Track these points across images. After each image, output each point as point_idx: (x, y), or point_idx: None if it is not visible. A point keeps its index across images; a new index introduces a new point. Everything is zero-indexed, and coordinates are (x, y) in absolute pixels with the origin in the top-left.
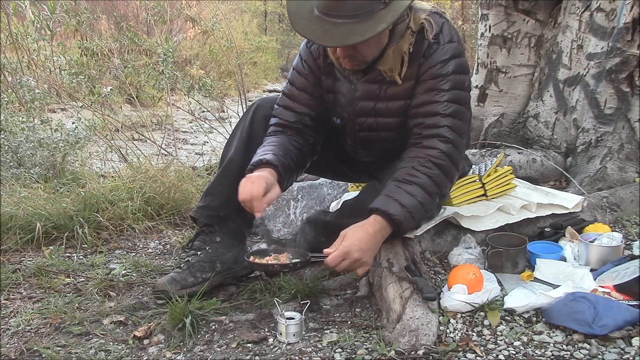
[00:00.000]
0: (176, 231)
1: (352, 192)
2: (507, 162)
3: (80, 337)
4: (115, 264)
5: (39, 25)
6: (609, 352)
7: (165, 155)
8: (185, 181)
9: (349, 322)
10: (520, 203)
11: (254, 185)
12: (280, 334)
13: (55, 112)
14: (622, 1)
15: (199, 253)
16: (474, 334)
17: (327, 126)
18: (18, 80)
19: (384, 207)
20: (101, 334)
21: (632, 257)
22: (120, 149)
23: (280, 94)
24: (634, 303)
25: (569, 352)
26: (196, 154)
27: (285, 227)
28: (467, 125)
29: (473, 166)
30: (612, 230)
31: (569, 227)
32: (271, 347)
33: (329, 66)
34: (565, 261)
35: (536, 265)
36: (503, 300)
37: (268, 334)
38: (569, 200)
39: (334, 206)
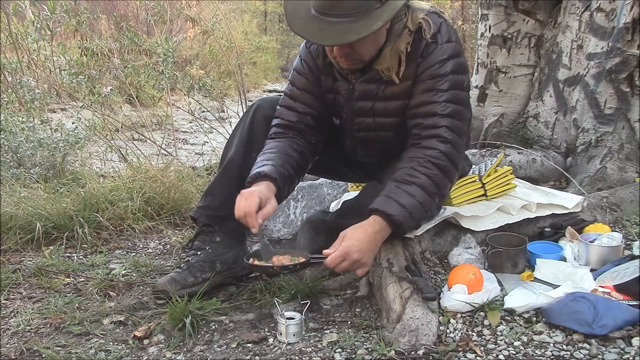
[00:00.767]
0: (176, 231)
1: (352, 192)
2: (507, 162)
3: (80, 337)
4: (115, 264)
5: (39, 25)
6: (609, 352)
7: (165, 155)
8: (185, 181)
9: (349, 322)
10: (520, 203)
11: (247, 202)
12: (280, 334)
13: (55, 112)
14: (622, 1)
15: (199, 253)
16: (474, 334)
17: (328, 126)
18: (18, 80)
19: (384, 207)
20: (101, 334)
21: (632, 257)
22: (120, 149)
23: (282, 94)
24: (634, 303)
25: (569, 352)
26: (196, 154)
27: (285, 227)
28: (466, 125)
29: (473, 166)
30: (612, 230)
31: (569, 227)
32: (271, 347)
33: (328, 66)
34: (565, 261)
35: (536, 265)
36: (503, 300)
37: (268, 334)
38: (569, 200)
39: (334, 206)
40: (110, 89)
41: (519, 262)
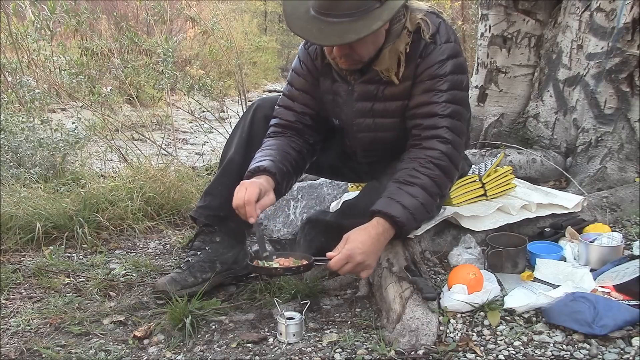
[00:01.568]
0: (176, 231)
1: (352, 192)
2: (507, 162)
3: (80, 337)
4: (115, 264)
5: (39, 25)
6: (609, 352)
7: (165, 155)
8: (185, 181)
9: (349, 322)
10: (520, 203)
11: (247, 191)
12: (280, 334)
13: (55, 112)
14: (622, 1)
15: (199, 253)
16: (474, 334)
17: (327, 126)
18: (18, 80)
19: (386, 209)
20: (101, 334)
21: (632, 257)
22: (120, 149)
23: (281, 94)
24: (634, 303)
25: (569, 352)
26: (196, 154)
27: (285, 227)
28: (465, 125)
29: (473, 166)
30: (612, 230)
31: (569, 227)
32: (271, 347)
33: (326, 67)
34: (565, 261)
35: (536, 265)
36: (503, 300)
37: (268, 334)
38: (569, 200)
39: (334, 206)
40: (110, 89)
41: (519, 262)
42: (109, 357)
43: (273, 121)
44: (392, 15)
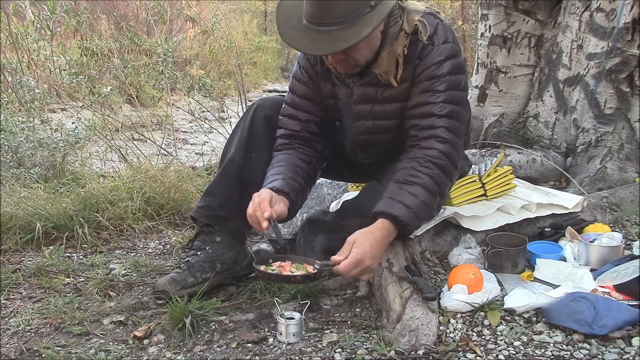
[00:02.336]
0: (176, 231)
1: (352, 192)
2: (507, 162)
3: (80, 337)
4: (115, 264)
5: (39, 25)
6: (609, 352)
7: (165, 155)
8: (185, 181)
9: (349, 322)
10: (520, 203)
11: (260, 196)
12: (280, 334)
13: (55, 112)
14: (622, 1)
15: (199, 253)
16: (474, 334)
17: (332, 130)
18: (18, 80)
19: (389, 209)
20: (101, 334)
21: (632, 257)
22: (120, 149)
23: (280, 94)
24: (634, 303)
25: (569, 352)
26: (196, 154)
27: (285, 227)
28: (464, 125)
29: (473, 166)
30: (612, 230)
31: (569, 227)
32: (271, 347)
33: (326, 71)
34: (565, 261)
35: (536, 265)
36: (503, 300)
37: (268, 334)
38: (569, 200)
39: (334, 206)
40: (110, 89)
41: (519, 262)
42: (109, 357)
43: (279, 132)
44: (382, 20)
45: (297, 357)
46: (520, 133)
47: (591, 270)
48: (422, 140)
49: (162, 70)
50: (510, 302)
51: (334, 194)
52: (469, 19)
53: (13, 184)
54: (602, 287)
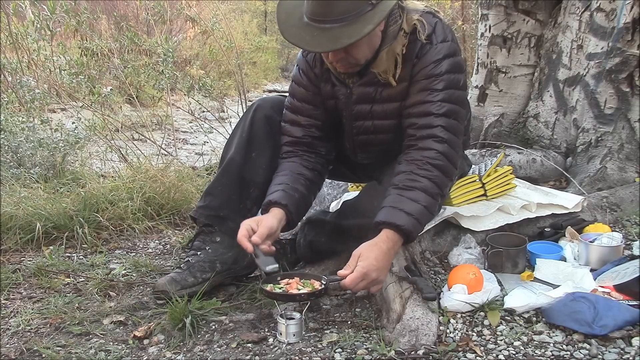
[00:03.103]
0: (176, 231)
1: (352, 192)
2: (507, 162)
3: (80, 337)
4: (115, 264)
5: (39, 25)
6: (609, 352)
7: (165, 155)
8: (185, 181)
9: (349, 322)
10: (520, 203)
11: (241, 228)
12: (280, 334)
13: (55, 112)
14: (622, 1)
15: (199, 253)
16: (474, 334)
17: (335, 132)
18: (18, 80)
19: (391, 219)
20: (101, 334)
21: (632, 257)
22: (120, 149)
23: (281, 94)
24: (634, 303)
25: (569, 352)
26: (196, 154)
27: None
28: (463, 124)
29: (473, 166)
30: (612, 230)
31: (569, 227)
32: (271, 347)
33: (326, 72)
34: (565, 261)
35: (536, 265)
36: (503, 300)
37: (268, 334)
38: (569, 200)
39: (334, 206)
40: (110, 89)
41: (519, 262)
42: (109, 357)
43: (283, 140)
44: (384, 17)
45: (297, 357)
46: (520, 133)
47: (591, 270)
48: (419, 140)
49: (162, 70)
50: (510, 302)
51: (334, 194)
52: (469, 19)
53: (13, 184)
54: (602, 287)
